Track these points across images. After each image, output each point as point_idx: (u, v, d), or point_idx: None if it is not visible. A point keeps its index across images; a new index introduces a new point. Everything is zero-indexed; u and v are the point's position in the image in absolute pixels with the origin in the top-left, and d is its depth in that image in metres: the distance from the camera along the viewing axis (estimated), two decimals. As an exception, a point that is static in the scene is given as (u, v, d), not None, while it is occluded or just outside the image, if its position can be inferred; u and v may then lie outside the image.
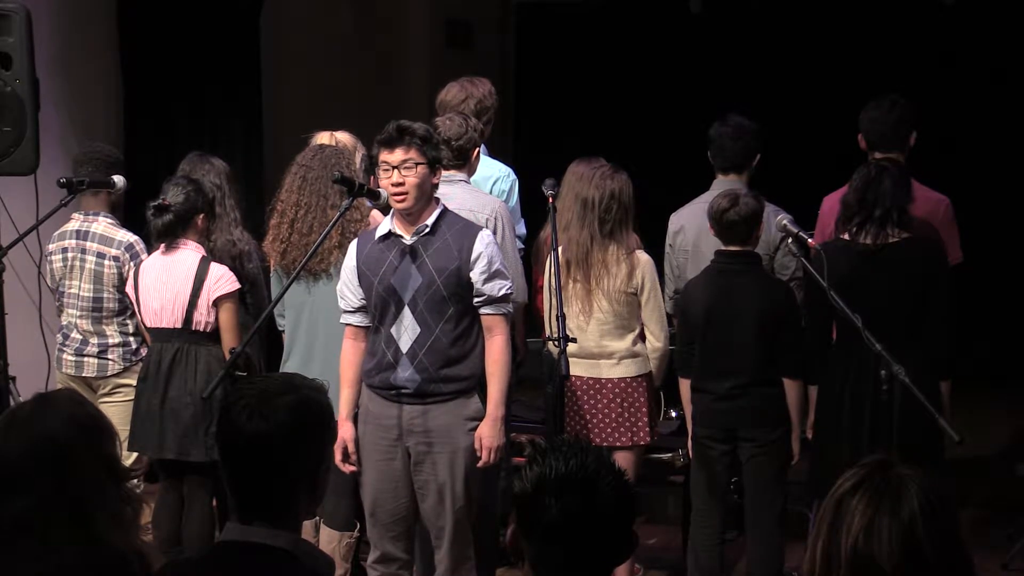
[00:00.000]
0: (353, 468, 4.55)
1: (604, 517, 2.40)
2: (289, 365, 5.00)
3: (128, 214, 5.71)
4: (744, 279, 4.89)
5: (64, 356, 5.56)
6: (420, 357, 4.41)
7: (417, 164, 4.35)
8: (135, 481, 5.24)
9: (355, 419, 4.57)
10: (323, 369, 4.67)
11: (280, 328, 5.18)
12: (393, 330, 4.45)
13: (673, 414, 6.32)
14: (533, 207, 5.61)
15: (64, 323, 5.59)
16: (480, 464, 4.46)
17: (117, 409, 5.29)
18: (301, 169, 5.00)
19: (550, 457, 2.41)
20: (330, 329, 4.88)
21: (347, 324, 4.60)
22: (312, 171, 4.97)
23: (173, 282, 5.05)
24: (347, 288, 4.56)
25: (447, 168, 4.86)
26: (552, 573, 2.43)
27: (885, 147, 5.39)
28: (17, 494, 2.58)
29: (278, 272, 5.04)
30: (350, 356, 4.60)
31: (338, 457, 4.45)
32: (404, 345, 4.43)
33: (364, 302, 4.52)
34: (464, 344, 4.46)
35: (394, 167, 4.35)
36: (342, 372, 4.59)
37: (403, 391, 4.44)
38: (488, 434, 4.43)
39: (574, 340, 4.63)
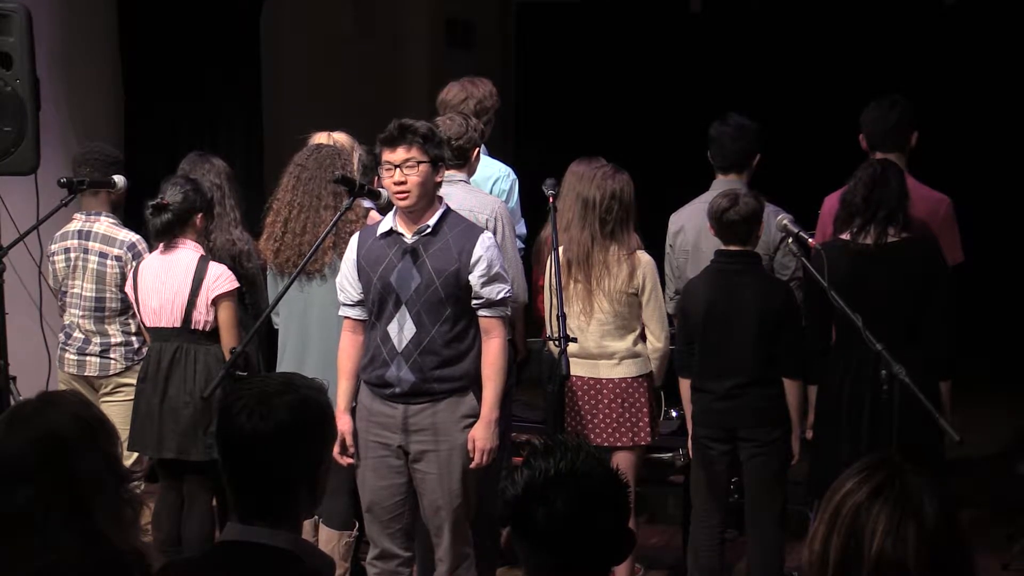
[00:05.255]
0: (351, 460, 4.56)
1: (596, 518, 2.39)
2: (283, 364, 5.01)
3: (128, 214, 5.71)
4: (744, 279, 4.89)
5: (66, 355, 5.56)
6: (415, 357, 4.42)
7: (419, 163, 4.35)
8: (135, 482, 5.23)
9: (353, 412, 4.58)
10: (317, 369, 4.67)
11: (276, 326, 5.18)
12: (390, 328, 4.45)
13: (673, 414, 6.32)
14: (533, 207, 5.61)
15: (66, 323, 5.60)
16: (472, 466, 4.47)
17: (119, 408, 5.29)
18: (296, 169, 5.01)
19: (540, 459, 2.40)
20: (324, 330, 4.89)
21: (346, 317, 4.60)
22: (307, 171, 4.98)
23: (172, 281, 5.06)
24: (347, 281, 4.57)
25: (447, 168, 4.86)
26: (547, 575, 2.43)
27: (886, 147, 5.39)
28: (18, 489, 2.58)
29: (272, 271, 5.05)
30: (348, 349, 4.60)
31: (336, 449, 4.45)
32: (399, 344, 4.43)
33: (363, 296, 4.53)
34: (459, 345, 4.46)
35: (396, 166, 4.36)
36: (340, 364, 4.60)
37: (397, 390, 4.44)
38: (481, 436, 4.44)
39: (575, 340, 4.63)
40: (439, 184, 4.47)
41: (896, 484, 2.13)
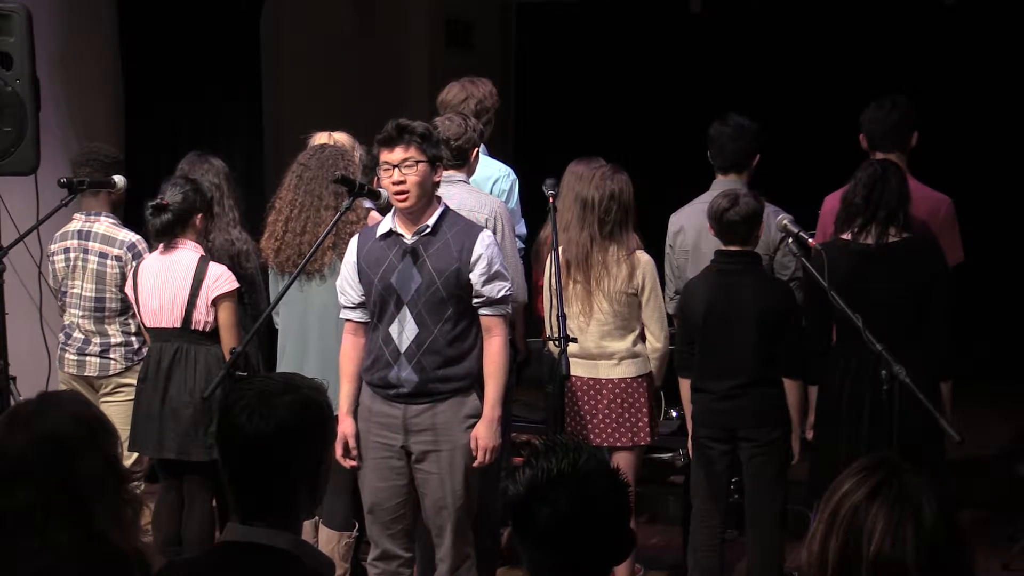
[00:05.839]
0: (354, 463, 4.56)
1: (598, 517, 2.39)
2: (284, 364, 5.02)
3: (128, 214, 5.71)
4: (744, 279, 4.89)
5: (66, 356, 5.56)
6: (418, 357, 4.42)
7: (418, 162, 4.36)
8: (135, 482, 5.23)
9: (355, 414, 4.58)
10: (316, 369, 4.68)
11: (277, 326, 5.19)
12: (392, 329, 4.45)
13: (673, 414, 6.32)
14: (533, 207, 5.61)
15: (66, 323, 5.60)
16: (476, 464, 4.47)
17: (119, 408, 5.29)
18: (299, 168, 5.03)
19: (542, 459, 2.40)
20: (323, 329, 4.90)
21: (347, 320, 4.60)
22: (308, 171, 4.98)
23: (172, 282, 5.05)
24: (347, 284, 4.57)
25: (446, 168, 4.87)
26: (548, 575, 2.43)
27: (886, 147, 5.39)
28: (18, 490, 2.58)
29: (274, 270, 5.06)
30: (350, 352, 4.60)
31: (339, 452, 4.46)
32: (402, 344, 4.43)
33: (364, 298, 4.53)
34: (462, 344, 4.46)
35: (395, 166, 4.36)
36: (342, 367, 4.60)
37: (401, 390, 4.45)
38: (484, 435, 4.44)
39: (575, 340, 4.63)
40: (437, 184, 4.47)
41: (894, 484, 2.13)
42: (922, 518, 2.10)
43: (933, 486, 2.14)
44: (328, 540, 5.04)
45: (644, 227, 5.22)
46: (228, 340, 4.96)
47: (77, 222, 5.55)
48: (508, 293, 4.50)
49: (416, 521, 4.61)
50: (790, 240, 4.79)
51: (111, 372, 5.54)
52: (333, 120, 5.47)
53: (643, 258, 5.08)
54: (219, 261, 5.17)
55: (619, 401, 5.06)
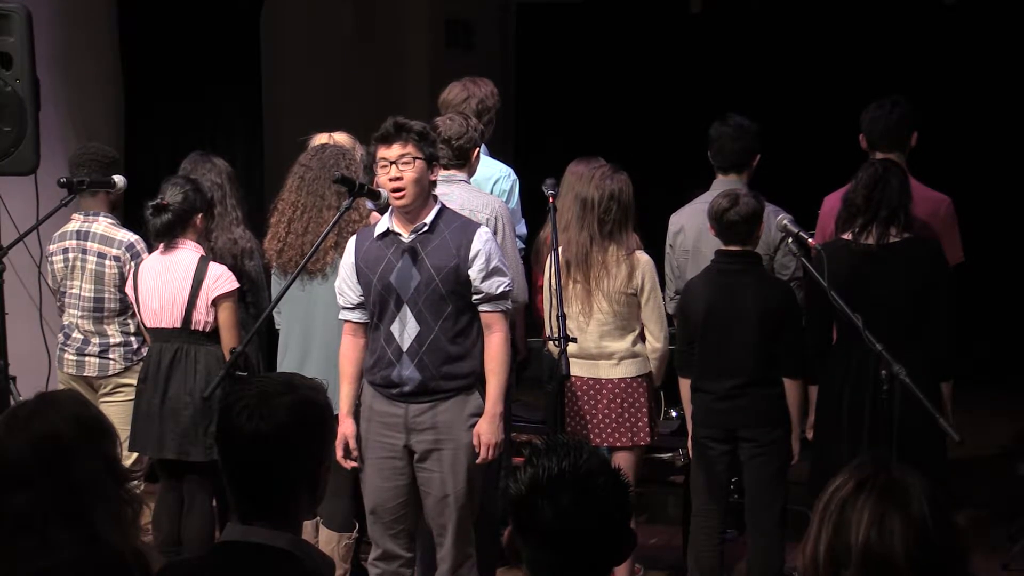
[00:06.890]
0: (355, 464, 4.56)
1: (599, 517, 2.39)
2: (286, 363, 5.02)
3: (128, 214, 5.71)
4: (744, 279, 4.89)
5: (65, 356, 5.56)
6: (421, 355, 4.42)
7: (415, 159, 4.36)
8: (135, 482, 5.24)
9: (356, 415, 4.58)
10: (319, 368, 4.68)
11: (278, 326, 5.19)
12: (393, 328, 4.45)
13: (673, 414, 6.31)
14: (533, 207, 5.61)
15: (65, 323, 5.60)
16: (479, 461, 4.47)
17: (118, 409, 5.29)
18: (300, 169, 5.03)
19: (544, 458, 2.40)
20: (326, 328, 4.90)
21: (346, 320, 4.60)
22: (310, 171, 4.99)
23: (172, 282, 5.05)
24: (346, 285, 4.57)
25: (447, 168, 4.87)
26: (548, 575, 2.43)
27: (886, 147, 5.39)
28: (17, 491, 2.58)
29: (276, 270, 5.06)
30: (350, 352, 4.60)
31: (339, 453, 4.46)
32: (404, 343, 4.43)
33: (363, 299, 4.53)
34: (464, 341, 4.46)
35: (392, 162, 4.37)
36: (342, 368, 4.60)
37: (405, 389, 4.44)
38: (486, 431, 4.44)
39: (574, 340, 4.63)
40: (434, 183, 4.47)
41: (880, 477, 2.14)
42: (910, 512, 2.10)
43: (924, 482, 2.15)
44: (328, 541, 5.04)
45: (644, 227, 5.22)
46: (228, 340, 4.97)
47: (76, 222, 5.55)
48: (508, 289, 4.50)
49: (417, 521, 4.61)
50: (790, 240, 4.79)
51: (110, 372, 5.54)
52: (333, 120, 5.47)
53: (642, 258, 5.07)
54: (222, 260, 5.17)
55: (619, 401, 5.06)
